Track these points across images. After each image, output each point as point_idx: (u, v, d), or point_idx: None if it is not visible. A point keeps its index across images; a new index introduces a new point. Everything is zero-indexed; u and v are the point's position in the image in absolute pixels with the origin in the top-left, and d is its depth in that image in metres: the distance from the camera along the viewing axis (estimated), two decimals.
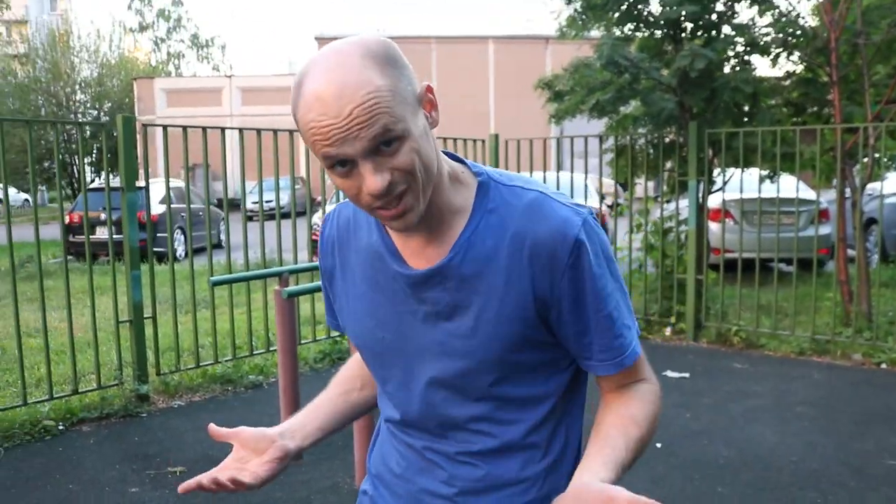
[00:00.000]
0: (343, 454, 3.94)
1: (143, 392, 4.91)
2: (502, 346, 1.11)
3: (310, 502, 3.51)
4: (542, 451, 1.18)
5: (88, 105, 28.02)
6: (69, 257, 8.43)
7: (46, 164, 25.86)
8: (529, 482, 1.17)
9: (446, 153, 1.16)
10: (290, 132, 5.30)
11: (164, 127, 4.96)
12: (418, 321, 1.15)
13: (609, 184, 14.29)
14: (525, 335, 1.11)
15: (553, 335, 1.14)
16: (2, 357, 6.22)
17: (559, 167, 6.99)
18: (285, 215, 6.27)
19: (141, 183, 5.13)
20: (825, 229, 8.64)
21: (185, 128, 5.04)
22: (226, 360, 5.50)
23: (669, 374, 5.62)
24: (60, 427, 4.51)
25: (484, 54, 31.68)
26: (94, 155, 25.59)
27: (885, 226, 8.96)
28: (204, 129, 5.10)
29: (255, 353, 5.67)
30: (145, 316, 4.97)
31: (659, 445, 4.17)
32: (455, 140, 6.77)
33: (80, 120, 9.14)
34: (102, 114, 24.82)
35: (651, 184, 7.47)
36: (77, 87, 27.66)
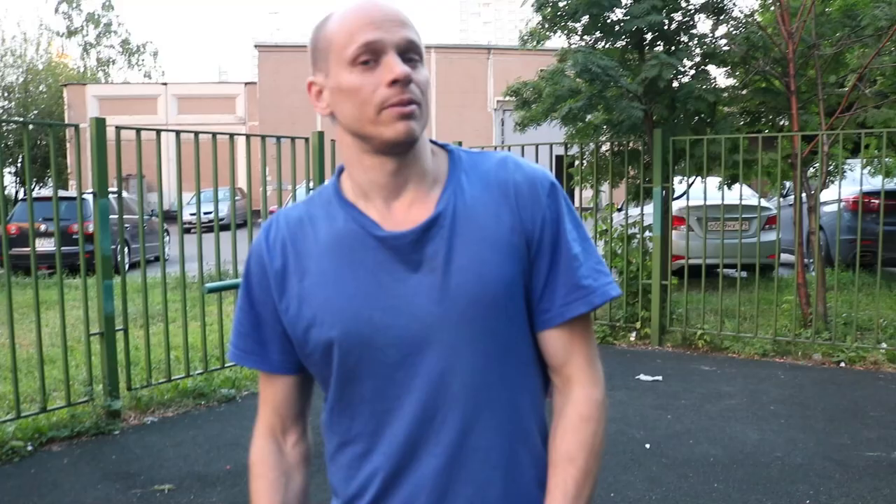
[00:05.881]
0: None
1: (115, 408, 4.71)
2: (502, 282, 1.12)
3: None
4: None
5: (13, 112, 26.97)
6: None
7: None
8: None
9: None
10: (231, 136, 5.21)
11: (117, 128, 4.91)
12: (415, 282, 1.11)
13: None
14: (520, 274, 1.14)
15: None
16: None
17: None
18: (224, 227, 6.13)
19: (113, 189, 4.96)
20: (773, 235, 8.92)
21: (138, 130, 4.99)
22: (197, 374, 5.34)
23: (643, 377, 5.71)
24: (29, 447, 4.30)
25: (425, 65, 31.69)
26: (18, 164, 24.59)
27: (831, 232, 9.33)
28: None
29: (226, 365, 5.53)
30: (116, 328, 4.80)
31: (648, 446, 4.24)
32: None
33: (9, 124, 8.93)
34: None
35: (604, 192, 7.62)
36: (1, 92, 26.54)
